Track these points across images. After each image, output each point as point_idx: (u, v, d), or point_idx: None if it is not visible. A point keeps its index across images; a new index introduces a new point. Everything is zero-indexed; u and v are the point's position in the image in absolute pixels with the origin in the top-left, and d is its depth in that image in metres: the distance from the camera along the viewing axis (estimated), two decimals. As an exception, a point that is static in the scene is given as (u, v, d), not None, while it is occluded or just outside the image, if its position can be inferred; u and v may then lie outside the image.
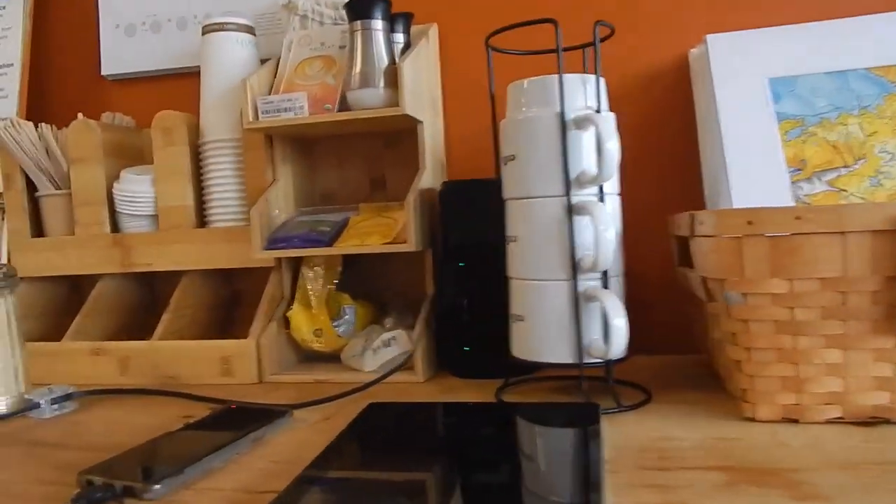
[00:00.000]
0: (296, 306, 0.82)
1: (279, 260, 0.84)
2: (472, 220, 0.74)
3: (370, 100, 0.76)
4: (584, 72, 0.63)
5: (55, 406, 0.68)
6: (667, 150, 0.83)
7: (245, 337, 0.79)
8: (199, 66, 0.97)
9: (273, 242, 0.79)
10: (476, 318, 0.73)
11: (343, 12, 0.86)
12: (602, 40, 0.59)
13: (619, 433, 0.53)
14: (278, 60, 0.85)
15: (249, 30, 0.89)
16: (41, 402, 0.68)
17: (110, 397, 0.74)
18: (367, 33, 0.77)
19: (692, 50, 0.80)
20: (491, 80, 0.66)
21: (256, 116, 0.79)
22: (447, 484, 0.42)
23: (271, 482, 0.47)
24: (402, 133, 0.89)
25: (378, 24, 0.77)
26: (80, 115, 0.91)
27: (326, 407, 0.65)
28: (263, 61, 0.88)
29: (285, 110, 0.77)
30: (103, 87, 1.04)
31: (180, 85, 1.01)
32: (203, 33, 0.89)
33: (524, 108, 0.60)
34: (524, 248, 0.60)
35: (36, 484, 0.50)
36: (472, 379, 0.73)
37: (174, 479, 0.47)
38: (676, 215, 0.67)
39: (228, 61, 0.88)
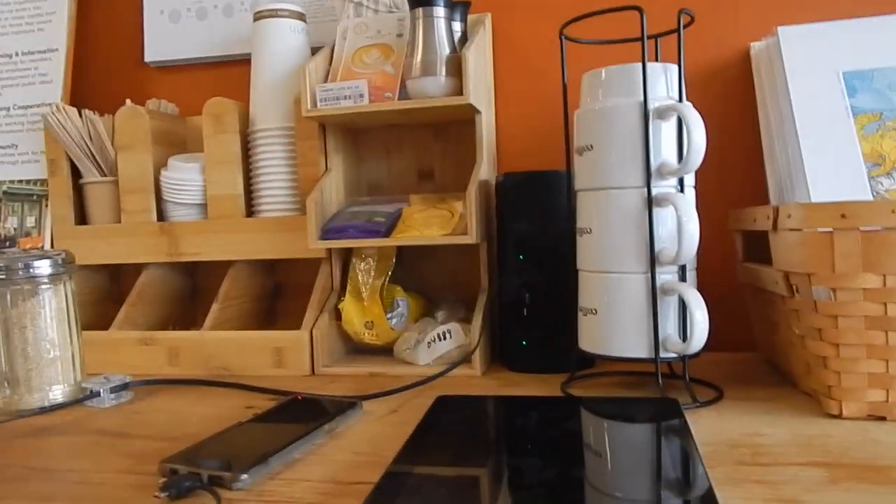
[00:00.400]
0: (347, 298, 0.81)
1: (329, 251, 0.83)
2: (532, 212, 0.73)
3: (432, 89, 0.75)
4: (656, 60, 0.62)
5: (113, 395, 0.67)
6: (726, 144, 0.82)
7: (292, 328, 0.79)
8: (245, 54, 0.96)
9: (328, 233, 0.78)
10: (534, 312, 0.73)
11: (398, 0, 0.85)
12: (684, 27, 0.58)
13: (703, 429, 0.52)
14: (331, 48, 0.84)
15: (301, 17, 0.88)
16: (101, 390, 0.67)
17: (165, 387, 0.73)
18: (429, 21, 0.76)
19: (754, 43, 0.79)
20: (563, 70, 0.65)
21: (314, 104, 0.78)
22: (539, 481, 0.41)
23: (357, 473, 0.46)
24: (452, 124, 0.88)
25: (440, 11, 0.76)
26: (127, 102, 0.90)
27: (391, 399, 0.65)
28: (314, 49, 0.88)
29: (345, 98, 0.76)
30: (146, 73, 1.03)
31: (225, 73, 1.00)
32: (254, 20, 0.88)
33: (602, 98, 0.59)
34: (599, 240, 0.59)
35: (115, 473, 0.49)
36: (529, 373, 0.72)
37: (260, 469, 0.46)
38: (745, 209, 0.66)
39: (280, 49, 0.87)
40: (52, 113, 0.89)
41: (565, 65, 0.65)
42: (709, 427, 0.52)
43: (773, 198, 0.71)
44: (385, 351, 0.81)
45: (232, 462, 0.46)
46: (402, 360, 0.78)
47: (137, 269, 0.91)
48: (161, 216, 0.89)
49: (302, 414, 0.57)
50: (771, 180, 0.72)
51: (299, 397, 0.62)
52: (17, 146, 0.96)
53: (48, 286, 0.67)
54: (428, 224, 0.76)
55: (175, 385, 0.73)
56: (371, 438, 0.54)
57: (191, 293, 0.97)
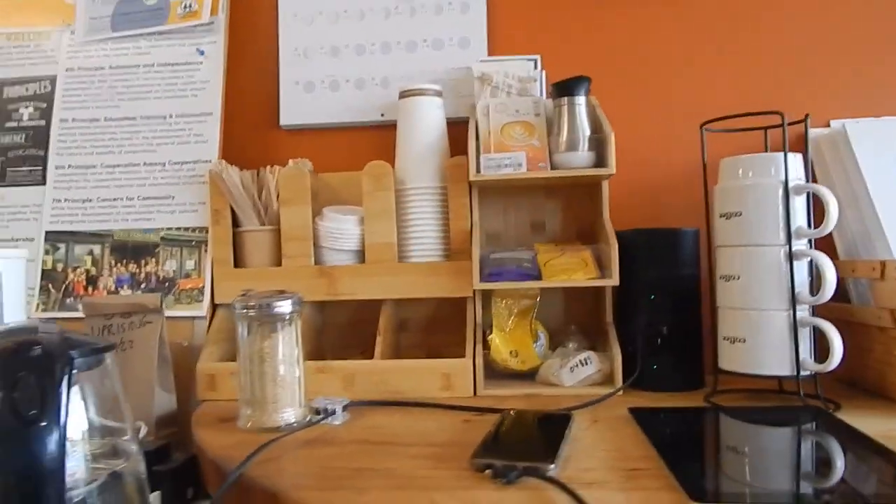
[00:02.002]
0: (494, 331, 0.97)
1: (475, 291, 0.98)
2: (660, 261, 0.91)
3: (577, 161, 0.93)
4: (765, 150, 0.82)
5: (343, 414, 0.80)
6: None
7: (419, 356, 0.95)
8: (373, 121, 1.13)
9: (490, 276, 0.93)
10: (666, 341, 0.90)
11: (526, 85, 1.03)
12: (791, 123, 0.79)
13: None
14: (474, 122, 1.01)
15: (440, 94, 1.05)
16: (336, 409, 0.79)
17: (368, 407, 0.86)
18: (573, 108, 0.94)
19: (816, 130, 1.01)
20: (704, 157, 0.84)
21: (478, 171, 0.94)
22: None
23: (627, 463, 0.62)
24: (563, 187, 1.06)
25: (581, 99, 0.94)
26: (291, 162, 1.04)
27: (581, 412, 0.80)
28: (449, 119, 1.04)
29: (505, 166, 0.93)
30: (280, 135, 1.16)
31: (353, 136, 1.15)
32: (401, 97, 1.04)
33: (744, 177, 0.79)
34: (747, 285, 0.78)
35: (428, 469, 0.63)
36: (662, 391, 0.89)
37: (558, 460, 0.61)
38: (845, 261, 0.86)
39: (424, 121, 1.03)
40: (220, 169, 1.01)
41: (705, 153, 0.84)
42: (856, 425, 0.71)
43: (843, 254, 0.92)
44: (523, 376, 0.96)
45: (534, 455, 0.61)
46: (545, 382, 0.93)
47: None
48: (316, 261, 1.02)
49: (534, 423, 0.72)
50: (839, 241, 0.93)
51: (511, 411, 0.77)
52: (173, 197, 1.07)
53: (287, 322, 0.80)
54: (572, 269, 0.93)
55: (378, 406, 0.86)
56: (605, 440, 0.69)
57: (321, 328, 1.10)
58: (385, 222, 1.00)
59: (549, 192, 1.08)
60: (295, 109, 1.15)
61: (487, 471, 0.60)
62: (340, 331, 1.09)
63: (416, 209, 1.01)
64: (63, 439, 0.47)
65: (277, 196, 1.02)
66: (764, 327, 0.77)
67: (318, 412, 0.81)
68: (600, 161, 0.94)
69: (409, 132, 1.03)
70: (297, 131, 1.16)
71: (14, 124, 1.13)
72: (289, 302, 0.80)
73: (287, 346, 0.80)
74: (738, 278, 0.79)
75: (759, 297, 0.77)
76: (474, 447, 0.65)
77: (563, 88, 0.95)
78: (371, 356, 0.96)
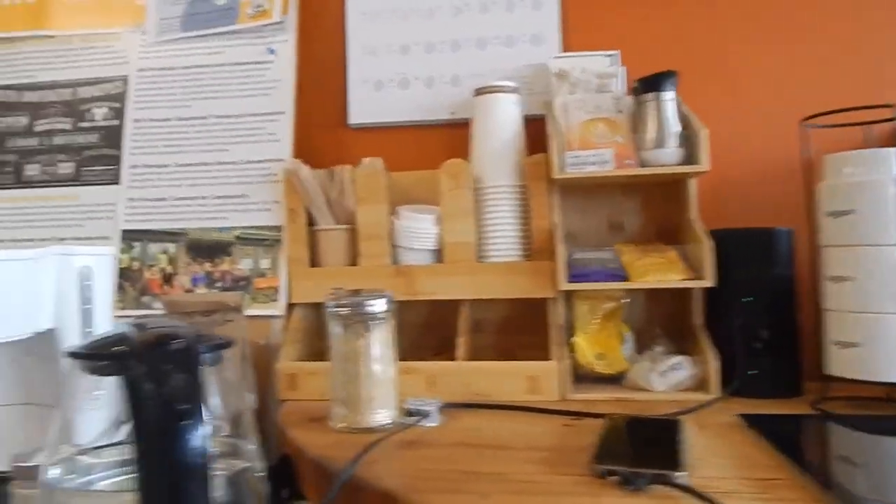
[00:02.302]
0: (579, 333, 0.95)
1: (559, 292, 0.96)
2: (754, 262, 0.89)
3: (666, 158, 0.91)
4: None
5: (438, 415, 0.79)
6: None
7: (495, 358, 0.93)
8: (443, 119, 1.11)
9: (576, 276, 0.91)
10: (763, 345, 0.87)
11: (605, 81, 1.01)
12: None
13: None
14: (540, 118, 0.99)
15: (516, 91, 1.03)
16: (431, 410, 0.78)
17: (456, 410, 0.84)
18: (660, 103, 0.92)
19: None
20: (807, 153, 0.82)
21: (562, 168, 0.92)
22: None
23: (756, 472, 0.60)
24: (642, 185, 1.03)
25: (669, 95, 0.92)
26: (364, 160, 1.02)
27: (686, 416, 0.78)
28: (526, 117, 1.03)
29: (591, 164, 0.91)
30: (348, 134, 1.15)
31: (422, 134, 1.13)
32: (477, 94, 1.02)
33: (855, 174, 0.76)
34: (861, 286, 0.75)
35: (544, 474, 0.61)
36: (760, 398, 0.86)
37: (686, 468, 0.58)
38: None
39: (501, 118, 1.01)
40: (295, 168, 1.01)
41: (806, 150, 0.82)
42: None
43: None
44: (606, 380, 0.94)
45: (659, 462, 0.59)
46: (634, 387, 0.91)
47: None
48: (392, 260, 1.01)
49: (644, 428, 0.70)
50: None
51: (617, 416, 0.75)
52: (247, 196, 1.06)
53: (381, 320, 0.78)
54: (658, 270, 0.91)
55: (469, 409, 0.84)
56: (718, 447, 0.67)
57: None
58: (464, 221, 0.99)
59: (628, 191, 1.05)
60: (363, 108, 1.14)
61: (611, 477, 0.58)
62: (413, 331, 1.07)
63: (495, 208, 0.99)
64: (209, 435, 0.46)
65: (347, 194, 1.01)
66: (881, 331, 0.74)
67: (410, 413, 0.79)
68: (690, 158, 0.91)
69: (486, 130, 1.02)
70: (365, 130, 1.15)
71: (88, 124, 1.13)
72: (383, 300, 0.79)
73: (381, 346, 0.79)
74: (851, 280, 0.76)
75: (875, 299, 0.74)
76: (583, 452, 0.63)
77: (650, 84, 0.93)
78: (445, 357, 0.95)
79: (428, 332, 1.06)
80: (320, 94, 1.15)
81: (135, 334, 0.52)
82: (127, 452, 0.59)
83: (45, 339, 0.81)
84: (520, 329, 1.04)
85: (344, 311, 0.78)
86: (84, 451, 0.59)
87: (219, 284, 1.04)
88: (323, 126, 1.15)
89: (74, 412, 0.58)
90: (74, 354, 0.52)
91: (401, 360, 0.96)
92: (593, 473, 0.59)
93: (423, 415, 0.78)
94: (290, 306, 1.02)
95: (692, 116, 0.93)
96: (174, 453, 0.45)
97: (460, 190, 0.99)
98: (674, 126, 0.92)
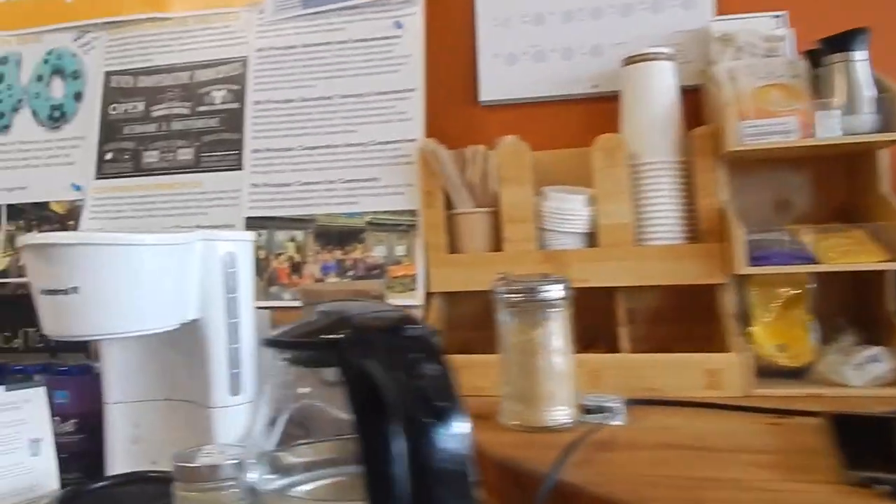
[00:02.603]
0: (757, 323, 0.86)
1: (734, 277, 0.87)
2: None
3: (860, 125, 0.81)
4: None
5: (622, 413, 0.71)
6: None
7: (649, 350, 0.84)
8: (583, 93, 1.03)
9: (757, 259, 0.82)
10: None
11: (774, 45, 0.91)
12: None
13: None
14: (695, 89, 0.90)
15: (672, 58, 0.94)
16: (615, 406, 0.70)
17: (640, 407, 0.76)
18: (850, 65, 0.82)
19: None
20: None
21: (738, 140, 0.83)
22: None
23: None
24: (815, 160, 0.93)
25: (860, 55, 0.82)
26: (508, 138, 0.95)
27: None
28: (682, 88, 0.94)
29: (774, 134, 0.82)
30: (476, 112, 1.08)
31: (559, 110, 1.05)
32: (628, 63, 0.94)
33: None
34: None
35: (782, 481, 0.53)
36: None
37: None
38: None
39: (656, 88, 0.93)
40: (432, 148, 0.94)
41: None
42: None
43: None
44: (787, 374, 0.85)
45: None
46: (823, 381, 0.81)
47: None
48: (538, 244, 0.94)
49: (881, 429, 0.61)
50: None
51: (837, 414, 0.66)
52: (378, 179, 1.00)
53: (559, 309, 0.71)
54: (849, 252, 0.81)
55: (649, 406, 0.76)
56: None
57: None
58: (620, 201, 0.91)
59: (799, 165, 0.95)
60: (495, 83, 1.06)
61: (878, 486, 0.49)
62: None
63: (654, 186, 0.91)
64: (468, 434, 0.39)
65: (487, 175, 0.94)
66: None
67: (589, 411, 0.72)
68: (888, 125, 0.81)
69: (640, 102, 0.93)
70: (497, 107, 1.07)
71: (207, 108, 1.09)
72: (559, 287, 0.71)
73: (559, 337, 0.71)
74: None
75: None
76: (817, 455, 0.56)
77: (837, 43, 0.83)
78: (598, 349, 0.87)
79: (574, 322, 0.98)
80: (447, 70, 1.08)
81: (346, 319, 0.46)
82: (326, 451, 0.54)
83: (186, 331, 0.77)
84: (673, 318, 0.95)
85: (517, 297, 0.71)
86: (280, 450, 0.53)
87: (351, 273, 0.99)
88: (450, 104, 1.08)
89: (278, 410, 0.52)
90: (288, 344, 0.47)
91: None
92: (849, 482, 0.51)
93: (607, 412, 0.71)
94: (428, 295, 0.96)
95: (887, 79, 0.83)
96: (431, 457, 0.38)
97: (616, 167, 0.91)
98: (867, 90, 0.81)
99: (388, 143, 1.01)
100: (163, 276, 0.72)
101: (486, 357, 0.87)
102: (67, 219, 1.12)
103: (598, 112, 1.01)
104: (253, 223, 1.03)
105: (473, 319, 0.97)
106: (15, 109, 1.17)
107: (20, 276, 1.12)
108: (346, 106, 1.03)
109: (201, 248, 0.76)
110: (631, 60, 0.94)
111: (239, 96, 1.08)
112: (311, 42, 1.06)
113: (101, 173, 1.12)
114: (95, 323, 0.68)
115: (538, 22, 1.05)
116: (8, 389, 0.79)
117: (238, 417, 0.79)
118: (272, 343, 0.48)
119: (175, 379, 0.83)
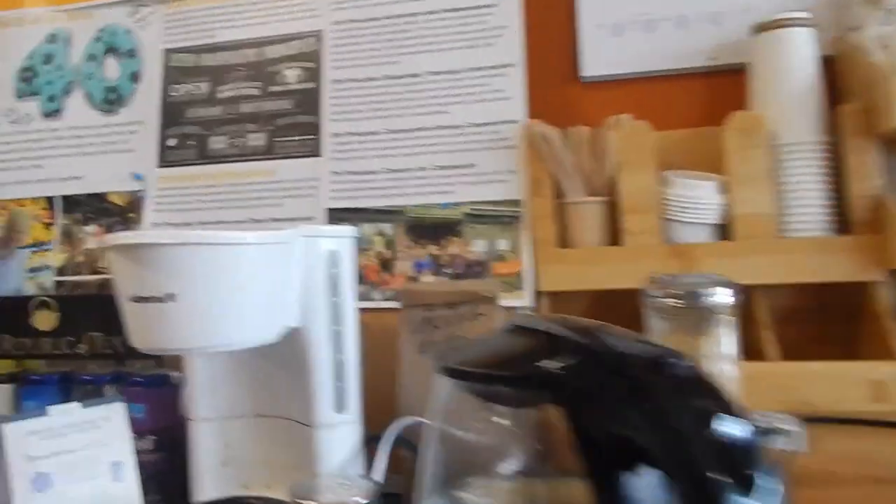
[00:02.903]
0: (920, 325, 0.75)
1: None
2: None
3: None
4: None
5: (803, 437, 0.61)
6: None
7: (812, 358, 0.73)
8: (700, 66, 0.92)
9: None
10: None
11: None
12: None
13: None
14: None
15: (810, 24, 0.83)
16: (791, 429, 0.61)
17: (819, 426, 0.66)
18: None
19: None
20: None
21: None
22: None
23: None
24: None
25: None
26: (619, 117, 0.85)
27: None
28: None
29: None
30: (576, 89, 0.97)
31: (671, 86, 0.94)
32: (757, 31, 0.83)
33: None
34: None
35: None
36: None
37: None
38: None
39: (796, 58, 0.82)
40: (542, 130, 0.84)
41: None
42: None
43: None
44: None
45: None
46: None
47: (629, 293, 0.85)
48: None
49: None
50: None
51: None
52: (475, 165, 0.90)
53: (726, 315, 0.61)
54: None
55: (818, 424, 0.67)
56: None
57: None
58: (759, 188, 0.80)
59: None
60: (599, 57, 0.95)
61: None
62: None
63: (798, 170, 0.80)
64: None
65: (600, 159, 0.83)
66: None
67: (763, 431, 0.62)
68: None
69: (775, 75, 0.82)
70: (600, 83, 0.96)
71: (279, 88, 0.99)
72: (728, 291, 0.61)
73: (728, 345, 0.62)
74: None
75: None
76: None
77: None
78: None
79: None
80: (542, 43, 0.97)
81: (570, 344, 0.36)
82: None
83: (284, 340, 0.67)
84: (804, 319, 0.85)
85: (678, 302, 0.61)
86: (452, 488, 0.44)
87: (447, 270, 0.89)
88: (546, 81, 0.97)
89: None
90: (491, 378, 0.37)
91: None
92: None
93: (782, 434, 0.61)
94: (536, 294, 0.86)
95: None
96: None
97: (754, 150, 0.80)
98: None
99: (484, 124, 0.91)
100: (266, 280, 0.63)
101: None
102: (128, 211, 1.03)
103: (717, 87, 0.91)
104: (335, 215, 0.94)
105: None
106: (66, 92, 1.08)
107: (77, 273, 1.04)
108: (437, 84, 0.93)
109: (303, 246, 0.67)
110: (763, 28, 0.83)
111: (314, 75, 0.98)
112: (393, 13, 0.96)
113: (164, 161, 1.03)
114: (194, 335, 0.59)
115: (648, -13, 0.94)
116: (85, 406, 0.71)
117: (342, 437, 0.71)
118: (463, 374, 0.39)
119: (269, 393, 0.74)
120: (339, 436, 0.70)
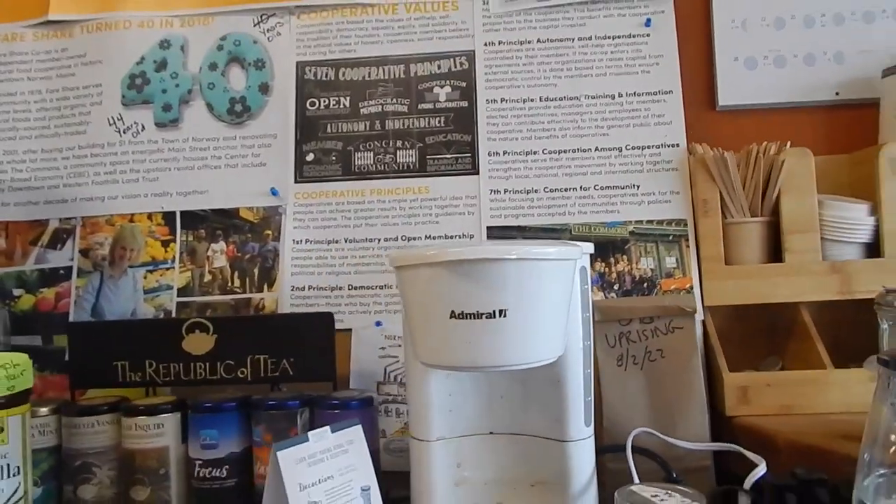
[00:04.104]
0: None
1: None
2: None
3: None
4: None
5: None
6: None
7: None
8: (825, 100, 1.02)
9: None
10: None
11: None
12: None
13: None
14: None
15: (938, 70, 0.94)
16: None
17: None
18: None
19: None
20: None
21: None
22: None
23: None
24: None
25: None
26: (786, 144, 0.92)
27: None
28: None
29: None
30: (712, 116, 1.03)
31: (797, 117, 1.02)
32: (890, 73, 0.93)
33: None
34: None
35: None
36: None
37: None
38: None
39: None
40: (714, 154, 0.90)
41: None
42: None
43: None
44: None
45: None
46: None
47: (790, 307, 0.91)
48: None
49: None
50: None
51: None
52: (638, 186, 0.94)
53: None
54: None
55: None
56: None
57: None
58: (907, 211, 0.90)
59: None
60: (734, 88, 1.02)
61: None
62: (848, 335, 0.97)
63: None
64: None
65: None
66: None
67: None
68: None
69: (910, 109, 0.93)
70: (734, 112, 1.04)
71: (429, 106, 1.00)
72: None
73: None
74: None
75: None
76: None
77: None
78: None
79: (856, 335, 0.96)
80: (685, 73, 1.03)
81: None
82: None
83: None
84: None
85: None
86: None
87: (616, 287, 0.93)
88: (687, 108, 1.03)
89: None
90: None
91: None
92: None
93: None
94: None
95: None
96: None
97: (905, 176, 0.90)
98: None
99: (645, 147, 0.95)
100: (566, 295, 0.64)
101: (800, 374, 0.84)
102: (262, 227, 0.99)
103: (839, 120, 1.01)
104: (495, 233, 0.95)
105: (753, 334, 0.94)
106: (184, 101, 1.03)
107: (206, 293, 0.98)
108: (596, 107, 0.97)
109: (573, 263, 0.68)
110: (891, 71, 0.93)
111: (467, 94, 0.99)
112: (548, 37, 0.99)
113: (302, 176, 1.00)
114: (521, 351, 0.60)
115: (778, 26, 1.02)
116: (333, 430, 0.69)
117: (588, 450, 0.72)
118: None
119: (505, 409, 0.75)
120: (586, 449, 0.71)
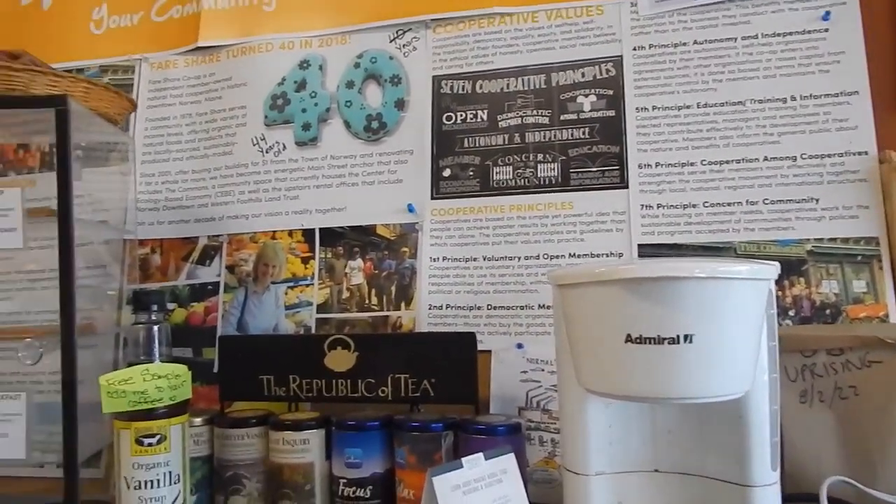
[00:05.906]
0: None
1: None
2: None
3: None
4: None
5: None
6: None
7: None
8: None
9: None
10: None
11: None
12: None
13: None
14: None
15: None
16: None
17: None
18: None
19: None
20: None
21: None
22: None
23: None
24: None
25: None
26: None
27: None
28: None
29: None
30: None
31: None
32: None
33: None
34: None
35: None
36: None
37: None
38: None
39: None
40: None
41: None
42: None
43: None
44: None
45: None
46: None
47: None
48: None
49: None
50: None
51: None
52: (817, 199, 0.83)
53: None
54: None
55: None
56: None
57: None
58: None
59: None
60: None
61: None
62: None
63: None
64: None
65: None
66: None
67: None
68: None
69: None
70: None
71: (572, 116, 0.94)
72: None
73: None
74: None
75: None
76: None
77: None
78: None
79: None
80: (870, 71, 0.91)
81: None
82: None
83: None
84: None
85: None
86: None
87: (791, 313, 0.82)
88: (876, 110, 0.91)
89: None
90: None
91: None
92: None
93: None
94: (905, 340, 0.78)
95: None
96: None
97: None
98: None
99: (825, 156, 0.84)
100: (758, 320, 0.55)
101: None
102: (398, 245, 0.97)
103: None
104: (647, 251, 0.87)
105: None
106: (323, 120, 1.03)
107: (344, 311, 0.96)
108: (764, 113, 0.87)
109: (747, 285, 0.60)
110: None
111: (613, 103, 0.92)
112: (706, 38, 0.91)
113: (439, 192, 0.97)
114: (708, 384, 0.52)
115: None
116: (487, 458, 0.63)
117: (773, 499, 0.62)
118: None
119: (672, 446, 0.66)
120: (772, 496, 0.61)
